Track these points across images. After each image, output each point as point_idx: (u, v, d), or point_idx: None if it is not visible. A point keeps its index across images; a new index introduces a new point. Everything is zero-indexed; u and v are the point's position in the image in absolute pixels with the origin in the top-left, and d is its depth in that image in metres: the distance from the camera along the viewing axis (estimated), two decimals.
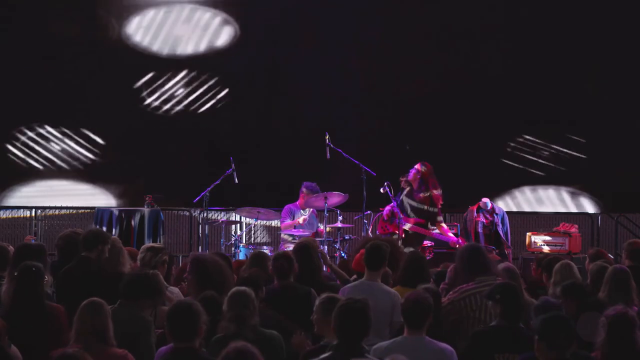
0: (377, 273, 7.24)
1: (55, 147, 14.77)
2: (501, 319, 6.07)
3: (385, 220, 11.65)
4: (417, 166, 11.66)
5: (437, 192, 11.54)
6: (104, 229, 11.98)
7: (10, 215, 14.66)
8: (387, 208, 11.68)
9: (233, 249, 11.90)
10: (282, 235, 12.36)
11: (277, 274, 7.31)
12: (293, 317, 6.70)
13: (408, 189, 11.70)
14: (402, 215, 11.43)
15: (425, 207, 11.57)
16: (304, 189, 12.29)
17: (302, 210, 12.28)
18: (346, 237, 12.11)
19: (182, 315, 5.35)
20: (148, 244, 8.43)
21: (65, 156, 14.78)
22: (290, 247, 10.32)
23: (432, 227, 11.65)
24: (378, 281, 7.23)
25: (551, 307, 6.24)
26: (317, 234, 12.21)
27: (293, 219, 12.19)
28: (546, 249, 12.32)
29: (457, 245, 11.50)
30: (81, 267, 7.42)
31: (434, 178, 11.60)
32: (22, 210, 14.74)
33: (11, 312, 6.29)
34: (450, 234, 11.72)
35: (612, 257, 9.74)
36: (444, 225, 11.76)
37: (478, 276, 6.84)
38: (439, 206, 11.60)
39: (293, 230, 12.07)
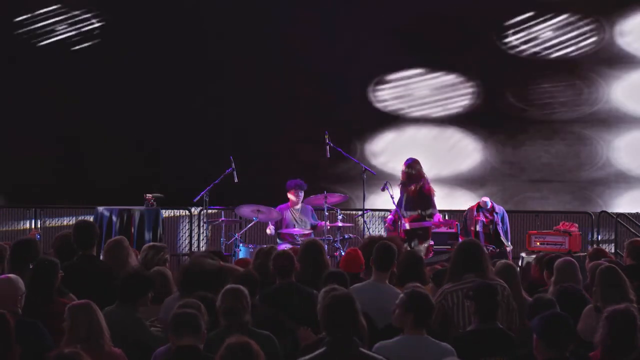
0: (386, 274, 7.18)
1: None
2: (477, 320, 6.06)
3: (392, 230, 11.67)
4: (404, 163, 11.72)
5: (427, 183, 11.59)
6: (104, 228, 11.97)
7: (11, 228, 14.61)
8: (390, 218, 11.74)
9: (233, 248, 11.92)
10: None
11: (279, 272, 7.27)
12: (293, 316, 6.66)
13: (402, 194, 11.73)
14: (402, 217, 11.46)
15: (419, 212, 11.56)
16: (287, 188, 12.32)
17: (293, 209, 12.30)
18: (346, 237, 12.13)
19: (186, 314, 5.35)
20: (149, 243, 8.42)
21: None
22: (287, 246, 10.31)
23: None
24: (386, 282, 7.17)
25: (546, 304, 6.21)
26: (315, 229, 12.24)
27: (282, 221, 12.21)
28: (545, 247, 12.31)
29: (442, 225, 11.49)
30: (85, 264, 7.44)
31: (421, 171, 11.62)
32: (21, 210, 14.75)
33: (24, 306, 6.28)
34: (438, 217, 11.72)
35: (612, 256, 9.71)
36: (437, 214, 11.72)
37: (467, 274, 6.73)
38: (433, 196, 11.58)
39: (293, 230, 12.08)
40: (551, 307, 6.06)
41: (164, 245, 8.04)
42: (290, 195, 12.29)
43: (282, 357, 5.97)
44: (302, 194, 12.27)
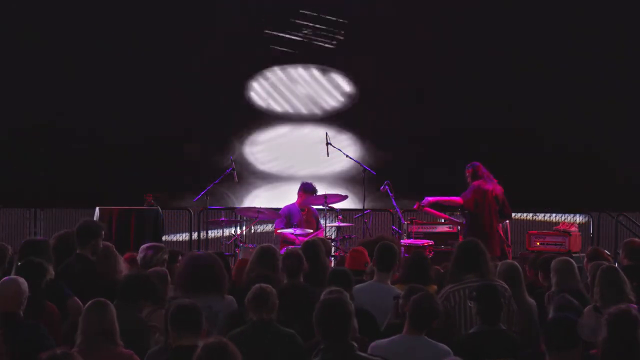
0: (388, 274, 7.17)
1: None
2: (480, 322, 6.05)
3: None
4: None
5: (477, 181, 11.62)
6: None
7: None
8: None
9: (233, 248, 11.91)
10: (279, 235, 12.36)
11: (287, 272, 7.20)
12: (299, 316, 6.62)
13: None
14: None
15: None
16: (301, 189, 12.30)
17: (300, 210, 12.29)
18: (346, 237, 12.12)
19: (185, 313, 5.35)
20: (148, 243, 8.39)
21: None
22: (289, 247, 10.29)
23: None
24: (388, 283, 7.16)
25: (569, 306, 6.21)
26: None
27: (291, 221, 12.17)
28: (545, 248, 12.30)
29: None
30: (78, 264, 7.43)
31: (476, 174, 11.66)
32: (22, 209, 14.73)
33: None
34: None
35: (609, 253, 9.68)
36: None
37: (467, 275, 6.72)
38: (471, 186, 11.59)
39: (294, 229, 12.07)
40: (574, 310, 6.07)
41: (162, 246, 8.01)
42: (302, 196, 12.22)
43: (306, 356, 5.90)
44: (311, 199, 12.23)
